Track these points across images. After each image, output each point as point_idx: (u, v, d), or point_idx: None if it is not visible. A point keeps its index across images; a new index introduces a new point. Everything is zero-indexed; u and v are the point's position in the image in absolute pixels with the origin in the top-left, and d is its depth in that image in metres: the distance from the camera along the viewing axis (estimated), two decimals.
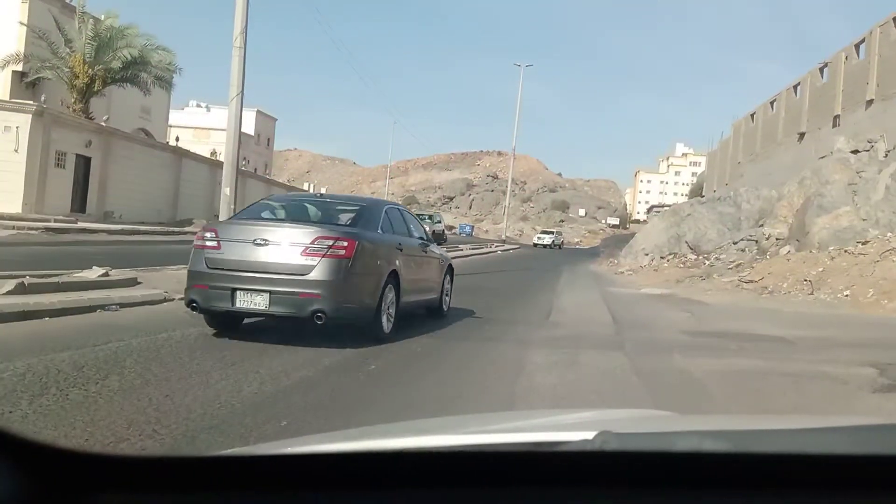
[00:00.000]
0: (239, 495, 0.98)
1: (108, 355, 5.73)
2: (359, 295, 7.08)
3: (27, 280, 7.95)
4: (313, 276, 6.74)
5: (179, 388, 4.90)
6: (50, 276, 8.93)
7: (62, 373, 4.98)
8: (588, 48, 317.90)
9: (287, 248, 6.83)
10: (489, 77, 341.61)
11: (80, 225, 24.67)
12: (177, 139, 42.45)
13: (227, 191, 12.99)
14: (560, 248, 62.72)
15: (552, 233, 69.34)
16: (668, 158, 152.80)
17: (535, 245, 61.58)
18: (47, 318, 7.04)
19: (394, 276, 7.71)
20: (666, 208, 44.60)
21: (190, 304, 7.04)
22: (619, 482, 1.03)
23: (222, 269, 6.89)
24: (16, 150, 25.18)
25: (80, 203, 28.95)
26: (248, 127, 57.87)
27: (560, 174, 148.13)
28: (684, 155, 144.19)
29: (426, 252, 9.39)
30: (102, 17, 30.79)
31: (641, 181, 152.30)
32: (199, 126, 63.62)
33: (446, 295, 10.10)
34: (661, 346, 8.80)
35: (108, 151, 30.29)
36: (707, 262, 22.86)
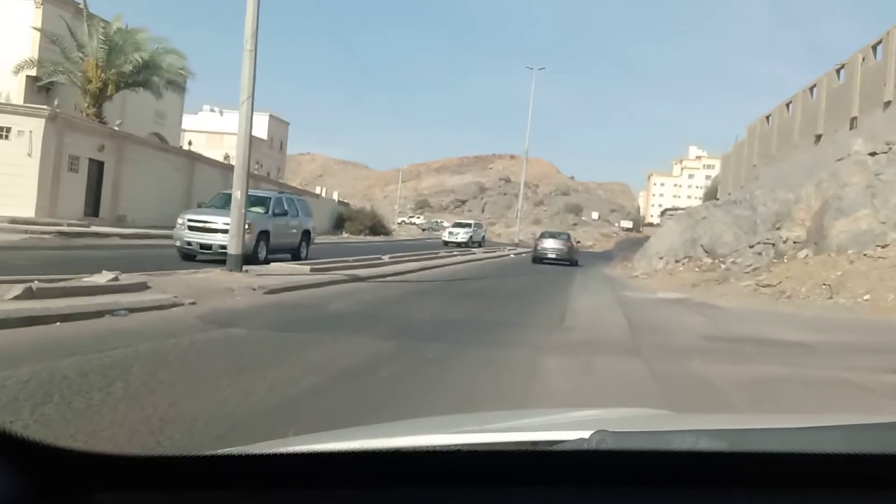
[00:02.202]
0: (238, 494, 0.99)
1: (114, 361, 5.63)
2: (574, 255, 31.99)
3: (35, 285, 7.88)
4: (565, 250, 31.26)
5: (186, 394, 4.79)
6: (59, 280, 8.86)
7: (66, 379, 4.87)
8: (600, 51, 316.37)
9: (559, 244, 31.72)
10: (501, 80, 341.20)
11: (93, 229, 24.73)
12: (189, 143, 42.57)
13: (237, 194, 12.90)
14: (480, 245, 45.67)
15: (468, 225, 48.19)
16: (681, 161, 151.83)
17: (446, 243, 42.60)
18: (55, 324, 6.95)
19: (575, 251, 32.89)
20: (680, 211, 44.11)
21: (535, 260, 30.71)
22: (615, 481, 1.04)
23: (544, 250, 31.21)
24: (29, 155, 25.30)
25: (92, 207, 29.05)
26: (262, 131, 57.98)
27: (573, 177, 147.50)
28: (698, 158, 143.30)
29: (576, 246, 35.04)
30: (112, 21, 30.95)
31: (655, 184, 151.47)
32: (213, 130, 63.81)
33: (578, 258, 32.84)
34: (677, 351, 8.61)
35: (121, 155, 30.37)
36: (723, 266, 22.56)
